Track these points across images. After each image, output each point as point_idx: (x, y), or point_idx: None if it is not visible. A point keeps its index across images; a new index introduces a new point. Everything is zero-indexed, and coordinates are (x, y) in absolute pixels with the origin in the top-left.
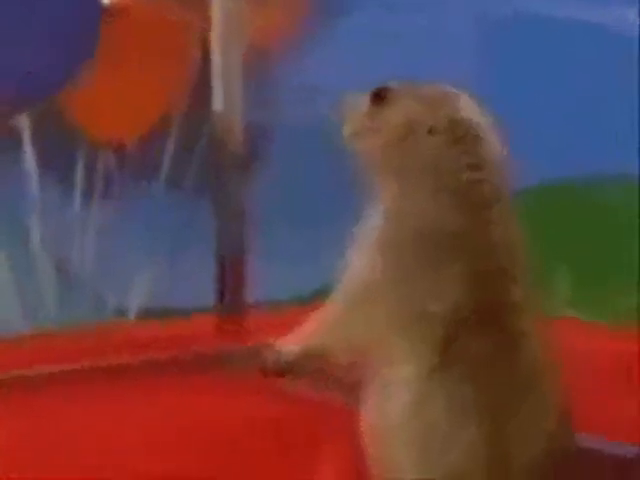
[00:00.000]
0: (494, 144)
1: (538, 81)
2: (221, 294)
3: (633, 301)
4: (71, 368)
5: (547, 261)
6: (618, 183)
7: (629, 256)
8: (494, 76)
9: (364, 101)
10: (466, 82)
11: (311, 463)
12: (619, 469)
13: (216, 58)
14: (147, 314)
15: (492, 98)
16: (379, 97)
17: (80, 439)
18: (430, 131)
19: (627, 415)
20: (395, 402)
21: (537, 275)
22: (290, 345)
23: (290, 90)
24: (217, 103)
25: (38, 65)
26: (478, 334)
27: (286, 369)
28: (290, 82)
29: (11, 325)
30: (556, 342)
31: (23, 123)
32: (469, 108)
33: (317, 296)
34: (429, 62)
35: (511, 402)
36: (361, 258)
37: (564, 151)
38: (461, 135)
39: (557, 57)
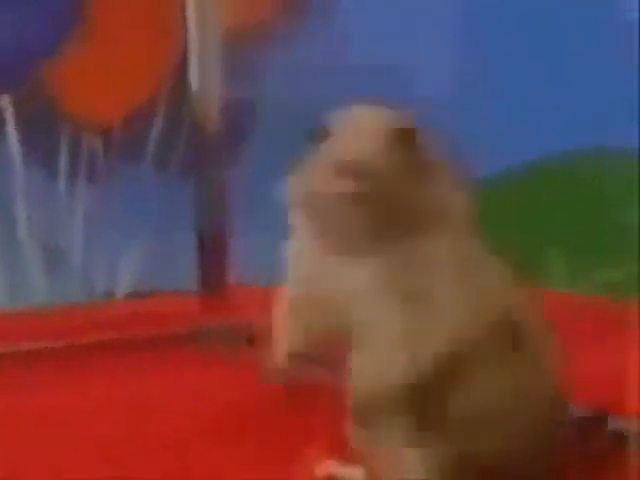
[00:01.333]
0: None
1: (525, 58)
2: (202, 272)
3: (633, 272)
4: (58, 345)
5: (539, 238)
6: (599, 156)
7: (622, 229)
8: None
9: None
10: (452, 60)
11: (296, 436)
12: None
13: (192, 37)
14: (133, 294)
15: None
16: None
17: (68, 413)
18: None
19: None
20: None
21: (527, 250)
22: (278, 354)
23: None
24: (194, 82)
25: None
26: None
27: (285, 374)
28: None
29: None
30: (547, 314)
31: (6, 104)
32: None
33: None
34: (415, 30)
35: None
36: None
37: (548, 128)
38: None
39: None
